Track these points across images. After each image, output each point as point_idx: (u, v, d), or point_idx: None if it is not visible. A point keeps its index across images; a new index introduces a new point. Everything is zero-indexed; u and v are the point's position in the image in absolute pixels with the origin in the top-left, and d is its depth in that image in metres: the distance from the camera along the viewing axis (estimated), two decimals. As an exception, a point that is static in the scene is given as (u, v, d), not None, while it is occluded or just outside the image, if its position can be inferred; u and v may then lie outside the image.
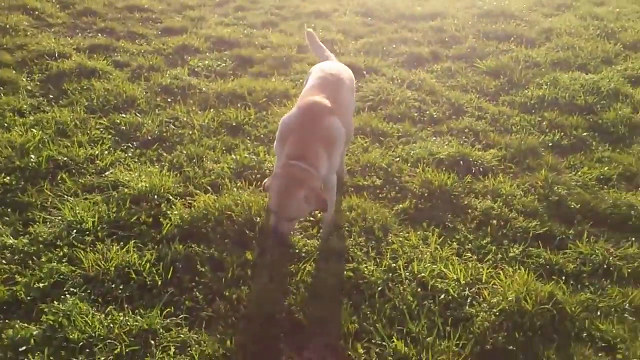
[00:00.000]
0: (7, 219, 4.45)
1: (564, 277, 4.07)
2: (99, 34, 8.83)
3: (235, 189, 4.79)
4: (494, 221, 4.60)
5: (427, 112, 6.52)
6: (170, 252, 4.08)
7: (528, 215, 4.73)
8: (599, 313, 3.77)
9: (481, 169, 5.33)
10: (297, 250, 4.20)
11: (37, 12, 9.52)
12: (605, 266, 4.19)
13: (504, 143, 5.81)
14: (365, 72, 7.59)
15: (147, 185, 4.76)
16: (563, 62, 8.21)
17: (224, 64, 7.76)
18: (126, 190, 4.75)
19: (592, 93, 6.98)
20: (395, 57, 8.33)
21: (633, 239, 4.49)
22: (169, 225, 4.37)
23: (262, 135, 5.81)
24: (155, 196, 4.71)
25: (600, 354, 3.49)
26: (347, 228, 4.45)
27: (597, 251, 4.30)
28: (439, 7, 10.91)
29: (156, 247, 4.19)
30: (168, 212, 4.53)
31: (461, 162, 5.37)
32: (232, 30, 9.09)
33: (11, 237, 4.22)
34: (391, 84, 7.13)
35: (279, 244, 4.17)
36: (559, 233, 4.55)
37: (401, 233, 4.45)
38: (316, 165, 3.86)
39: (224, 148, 5.55)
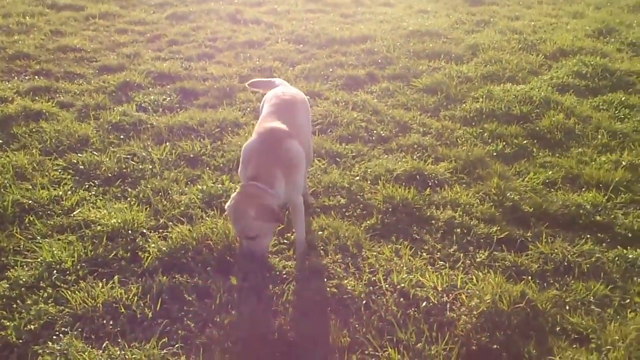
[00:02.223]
0: (-19, 265, 4.44)
1: (530, 277, 4.35)
2: (36, 77, 8.73)
3: (208, 218, 4.89)
4: (458, 230, 4.86)
5: (375, 131, 6.78)
6: (155, 284, 4.16)
7: (487, 221, 5.02)
8: (567, 307, 4.05)
9: (436, 182, 5.60)
10: (277, 272, 4.35)
11: (-34, 58, 9.35)
12: (565, 264, 4.50)
13: (452, 156, 6.11)
14: (308, 97, 7.76)
15: (119, 221, 4.82)
16: (493, 75, 8.68)
17: (169, 98, 7.82)
18: (99, 227, 4.80)
19: (525, 103, 7.41)
20: (333, 81, 8.58)
21: (588, 235, 4.84)
22: (149, 257, 4.44)
23: (221, 165, 5.93)
24: (130, 231, 4.77)
25: (574, 345, 3.76)
26: (321, 247, 4.63)
27: (556, 250, 4.62)
28: (366, 30, 11.25)
29: (139, 280, 4.25)
30: (145, 245, 4.60)
31: (417, 176, 5.63)
32: (171, 64, 9.13)
33: (-11, 284, 4.22)
34: (336, 107, 7.36)
35: (253, 263, 4.30)
36: (518, 236, 4.86)
37: (374, 248, 4.65)
38: (271, 183, 4.08)
39: (186, 180, 5.66)
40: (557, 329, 3.89)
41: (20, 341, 3.74)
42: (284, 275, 4.32)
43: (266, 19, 12.36)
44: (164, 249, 4.51)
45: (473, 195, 5.41)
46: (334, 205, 5.24)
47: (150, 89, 8.22)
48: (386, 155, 6.19)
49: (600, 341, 3.74)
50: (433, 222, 5.00)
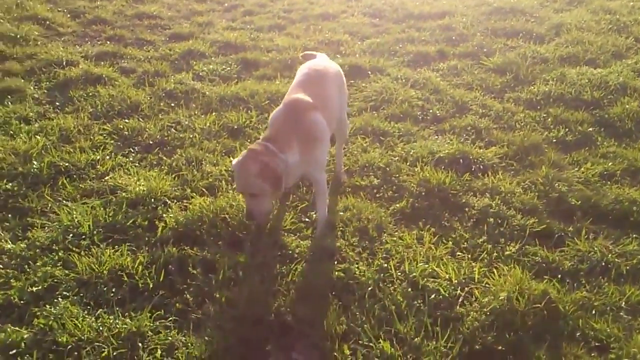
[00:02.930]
0: (8, 224, 4.52)
1: (560, 275, 4.00)
2: (108, 42, 8.93)
3: (231, 191, 4.79)
4: (491, 219, 4.53)
5: (430, 110, 6.47)
6: (163, 255, 4.10)
7: (526, 212, 4.65)
8: (594, 312, 3.68)
9: (481, 167, 5.26)
10: (289, 251, 4.19)
11: (48, 22, 9.67)
12: (603, 264, 4.10)
13: (506, 140, 5.73)
14: (369, 72, 7.55)
15: (145, 188, 4.79)
16: (572, 57, 8.09)
17: (228, 68, 7.78)
18: (124, 194, 4.78)
19: (599, 88, 6.87)
20: (401, 57, 8.28)
21: (634, 235, 4.39)
22: (163, 228, 4.38)
23: (262, 138, 5.79)
24: (152, 200, 4.73)
25: (592, 354, 3.42)
26: (341, 228, 4.42)
27: (595, 248, 4.22)
28: (448, 6, 10.84)
29: (150, 250, 4.19)
30: (164, 215, 4.54)
31: (461, 160, 5.31)
32: (239, 34, 9.11)
33: (10, 242, 4.28)
34: (395, 84, 7.08)
35: (252, 224, 4.24)
36: (557, 230, 4.48)
37: (396, 233, 4.41)
38: (283, 149, 3.92)
39: (223, 151, 5.57)
40: (577, 334, 3.54)
41: (22, 302, 3.76)
42: (295, 255, 4.15)
43: (346, -9, 12.11)
44: (181, 219, 4.44)
45: (517, 183, 5.03)
46: (365, 185, 5.02)
47: (212, 58, 8.22)
48: (436, 137, 5.88)
49: (622, 352, 3.39)
50: (467, 209, 4.69)
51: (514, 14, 10.21)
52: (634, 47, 8.58)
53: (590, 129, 6.03)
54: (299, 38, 9.13)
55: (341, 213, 4.57)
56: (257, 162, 3.80)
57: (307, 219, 4.58)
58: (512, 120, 6.29)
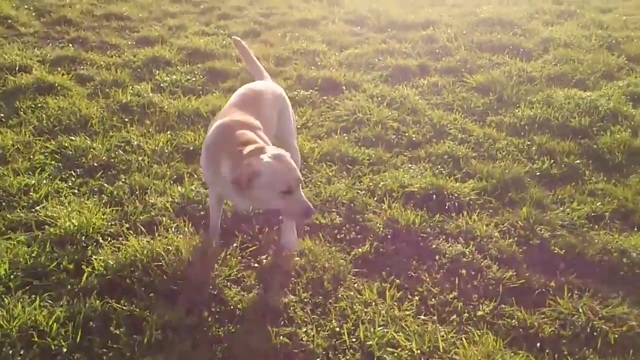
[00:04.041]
0: None
1: (539, 344, 3.48)
2: (70, 44, 8.38)
3: (172, 229, 4.23)
4: (464, 271, 4.02)
5: (406, 134, 5.96)
6: (84, 309, 3.51)
7: (504, 262, 4.14)
8: (575, 393, 3.18)
9: (456, 204, 4.75)
10: (230, 307, 3.63)
11: (10, 21, 9.12)
12: (588, 330, 3.58)
13: (485, 172, 5.23)
14: (344, 88, 7.06)
15: (76, 223, 4.21)
16: (560, 76, 7.63)
17: (193, 79, 7.26)
18: (52, 229, 4.19)
19: (588, 113, 6.37)
20: (379, 71, 7.79)
21: (623, 293, 3.87)
22: (89, 274, 3.81)
23: (218, 162, 5.25)
24: (83, 237, 4.15)
25: None
26: (293, 279, 3.88)
27: (580, 310, 3.69)
28: (433, 15, 10.40)
29: (71, 301, 3.60)
30: (93, 257, 3.96)
31: (434, 195, 4.80)
32: (210, 40, 8.58)
33: None
34: (370, 102, 6.57)
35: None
36: (537, 285, 3.96)
37: (355, 285, 3.88)
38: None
39: (175, 176, 5.03)
40: (556, 422, 3.03)
41: None
42: (237, 312, 3.60)
43: (330, -5, 11.61)
44: (112, 263, 3.84)
45: (495, 225, 4.53)
46: (326, 224, 4.49)
47: (177, 67, 7.70)
48: (409, 165, 5.37)
49: None
50: (437, 257, 4.16)
51: (501, 26, 9.76)
52: (625, 67, 8.14)
53: (578, 161, 5.53)
54: (273, 46, 8.61)
55: (296, 259, 4.03)
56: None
57: (256, 264, 4.04)
58: (493, 148, 5.78)
